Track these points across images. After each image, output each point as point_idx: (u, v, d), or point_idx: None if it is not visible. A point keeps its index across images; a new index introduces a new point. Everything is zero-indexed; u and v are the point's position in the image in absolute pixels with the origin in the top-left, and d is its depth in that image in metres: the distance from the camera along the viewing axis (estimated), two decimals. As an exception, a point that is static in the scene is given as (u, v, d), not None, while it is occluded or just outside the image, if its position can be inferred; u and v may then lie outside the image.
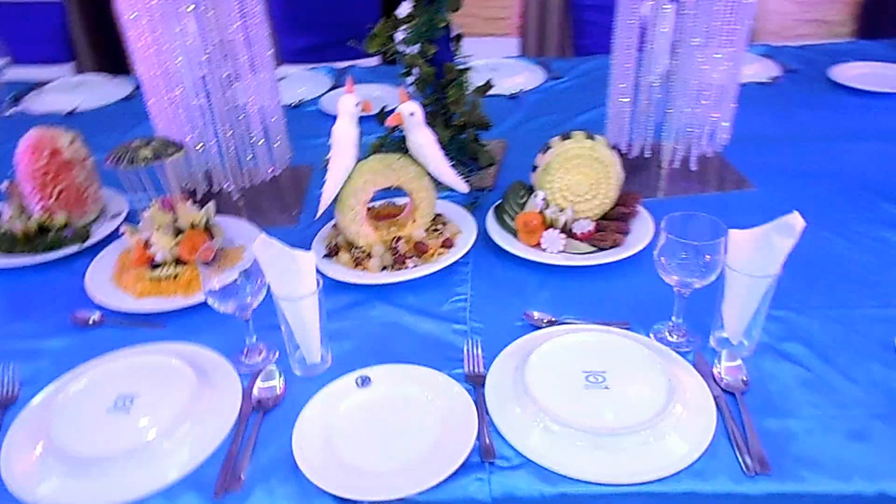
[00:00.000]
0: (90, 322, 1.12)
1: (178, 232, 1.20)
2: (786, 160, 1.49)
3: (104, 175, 1.39)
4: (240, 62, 1.25)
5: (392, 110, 1.24)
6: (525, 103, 1.89)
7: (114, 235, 1.32)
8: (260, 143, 1.34)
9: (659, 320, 1.03)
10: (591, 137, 1.23)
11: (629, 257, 1.16)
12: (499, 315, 1.08)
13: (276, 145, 1.38)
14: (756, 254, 0.88)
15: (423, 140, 1.17)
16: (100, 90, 2.07)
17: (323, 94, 1.98)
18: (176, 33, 1.20)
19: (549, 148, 1.24)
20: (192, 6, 1.17)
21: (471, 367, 0.97)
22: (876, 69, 1.87)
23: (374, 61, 2.71)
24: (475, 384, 0.94)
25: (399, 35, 1.45)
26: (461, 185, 1.24)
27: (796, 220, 0.85)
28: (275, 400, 0.94)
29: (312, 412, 0.89)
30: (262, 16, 1.27)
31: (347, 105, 1.15)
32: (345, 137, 1.15)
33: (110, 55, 3.41)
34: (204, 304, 1.13)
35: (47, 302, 1.18)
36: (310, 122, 1.83)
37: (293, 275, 0.92)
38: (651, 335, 1.01)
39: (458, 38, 1.44)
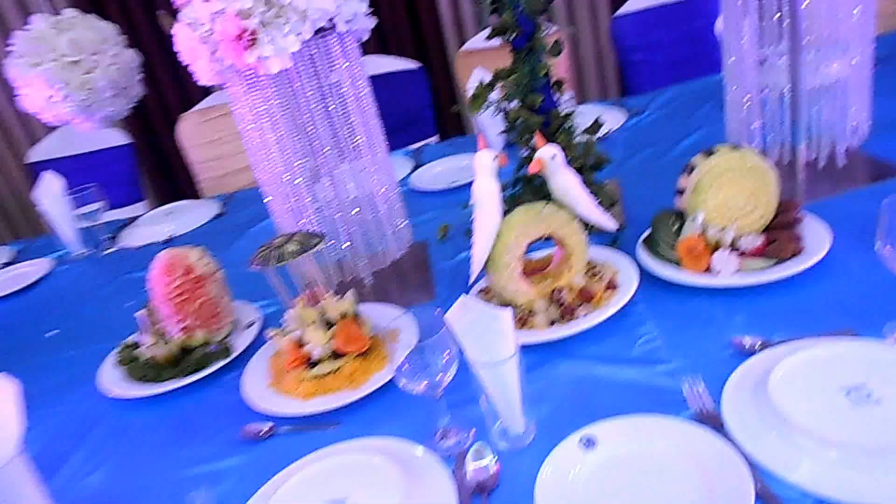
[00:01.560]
0: (262, 434, 1.05)
1: (329, 325, 1.14)
2: (929, 140, 1.40)
3: (231, 286, 1.37)
4: (360, 146, 1.23)
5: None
6: (617, 142, 1.84)
7: (255, 344, 1.27)
8: (386, 225, 1.30)
9: (879, 322, 0.93)
10: (736, 148, 1.16)
11: (815, 264, 1.06)
12: (699, 348, 0.99)
13: (400, 225, 1.34)
14: None
15: (569, 182, 1.12)
16: (190, 214, 2.10)
17: (409, 174, 1.97)
18: (295, 128, 1.19)
19: (693, 168, 1.17)
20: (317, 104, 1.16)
21: (700, 407, 0.87)
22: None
23: (435, 138, 2.73)
24: (711, 424, 0.84)
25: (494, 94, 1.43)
26: (610, 224, 1.17)
27: None
28: (493, 479, 0.85)
29: (547, 486, 0.80)
30: (371, 94, 1.26)
31: (485, 160, 1.10)
32: (487, 194, 1.10)
33: (172, 189, 3.53)
34: (374, 395, 1.07)
35: (209, 422, 1.12)
36: (406, 202, 1.80)
37: (494, 336, 0.85)
38: (891, 338, 0.90)
39: (560, 84, 1.41)
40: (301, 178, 1.23)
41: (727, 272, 1.10)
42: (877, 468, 0.73)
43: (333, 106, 1.19)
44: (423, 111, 2.83)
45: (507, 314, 0.85)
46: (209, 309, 1.28)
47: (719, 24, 1.84)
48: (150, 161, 3.46)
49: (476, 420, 0.95)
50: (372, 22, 1.23)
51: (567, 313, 1.09)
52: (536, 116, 1.37)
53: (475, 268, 1.12)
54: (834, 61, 1.24)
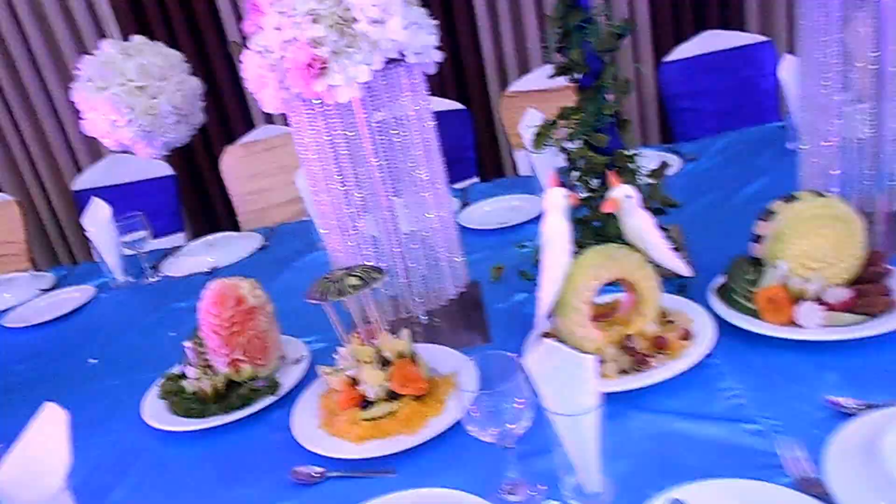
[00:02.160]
0: (313, 477, 0.99)
1: (384, 364, 1.09)
2: None
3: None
4: (421, 180, 1.20)
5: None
6: (675, 188, 1.77)
7: (303, 382, 1.22)
8: (444, 262, 1.26)
9: None
10: (820, 195, 1.10)
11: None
12: (790, 407, 0.92)
13: (456, 262, 1.29)
14: None
15: (643, 223, 1.07)
16: (232, 246, 2.07)
17: (459, 212, 1.93)
18: (357, 159, 1.17)
19: (773, 214, 1.12)
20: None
21: (800, 473, 0.80)
22: None
23: (475, 178, 2.71)
24: (813, 493, 0.76)
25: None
26: (684, 269, 1.11)
27: None
28: (571, 542, 0.78)
29: (635, 552, 0.72)
30: (434, 129, 1.23)
31: (556, 198, 1.06)
32: (558, 233, 1.05)
33: (210, 221, 3.54)
34: (431, 442, 1.01)
35: (257, 461, 1.07)
36: (456, 241, 1.77)
37: (576, 384, 0.79)
38: None
39: (625, 123, 1.37)
40: (361, 211, 1.20)
41: (812, 326, 1.03)
42: None
43: (398, 138, 1.16)
44: (465, 151, 2.82)
45: (591, 361, 0.79)
46: (258, 342, 1.24)
47: (783, 70, 1.81)
48: (189, 192, 3.48)
49: (545, 474, 0.89)
50: (439, 56, 1.21)
51: (640, 362, 1.03)
52: (601, 156, 1.33)
53: (542, 310, 1.06)
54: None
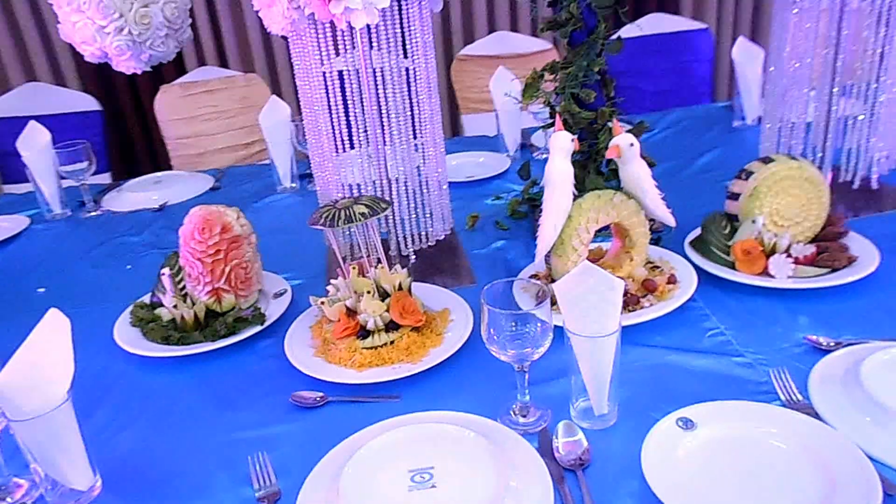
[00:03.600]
0: (316, 401, 0.99)
1: (383, 296, 1.10)
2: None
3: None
4: (423, 122, 1.20)
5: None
6: (633, 155, 1.87)
7: (287, 315, 1.20)
8: (435, 205, 1.27)
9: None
10: (793, 158, 1.20)
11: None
12: (771, 344, 1.00)
13: (446, 203, 1.31)
14: None
15: (641, 172, 1.12)
16: (180, 185, 1.98)
17: (421, 166, 1.93)
18: (363, 93, 1.15)
19: (749, 173, 1.20)
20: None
21: (788, 396, 0.88)
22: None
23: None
24: (804, 413, 0.84)
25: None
26: (671, 219, 1.18)
27: None
28: (586, 455, 0.83)
29: (654, 463, 0.78)
30: (435, 72, 1.23)
31: (562, 141, 1.09)
32: (561, 175, 1.09)
33: (131, 162, 3.35)
34: (433, 371, 1.02)
35: (249, 387, 1.05)
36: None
37: (603, 307, 0.83)
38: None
39: (610, 82, 1.42)
40: (358, 146, 1.18)
41: (782, 276, 1.13)
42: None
43: (403, 74, 1.15)
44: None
45: (621, 284, 0.83)
46: (242, 272, 1.20)
47: (736, 52, 1.92)
48: (111, 132, 3.26)
49: (550, 399, 0.93)
50: (442, -2, 1.20)
51: (631, 303, 1.08)
52: (587, 112, 1.38)
53: (542, 248, 1.10)
54: (869, 95, 1.30)
